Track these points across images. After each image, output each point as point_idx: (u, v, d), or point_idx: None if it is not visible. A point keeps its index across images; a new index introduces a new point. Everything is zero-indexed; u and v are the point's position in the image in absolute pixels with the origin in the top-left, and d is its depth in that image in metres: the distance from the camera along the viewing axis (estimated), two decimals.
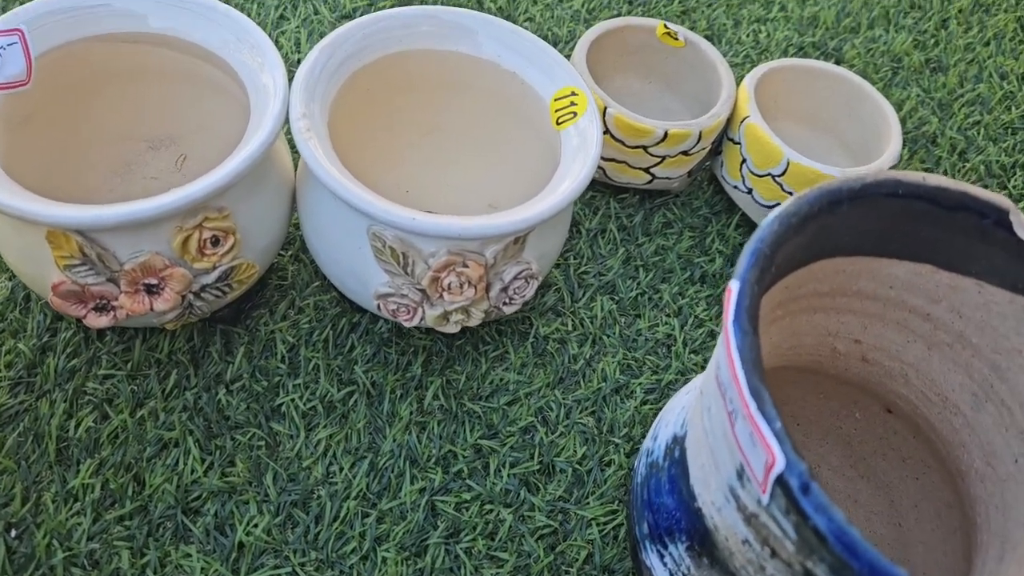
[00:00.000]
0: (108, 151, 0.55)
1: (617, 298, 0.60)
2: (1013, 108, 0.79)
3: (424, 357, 0.54)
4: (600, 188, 0.66)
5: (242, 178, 0.43)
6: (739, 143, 0.62)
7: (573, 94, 0.51)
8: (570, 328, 0.58)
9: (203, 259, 0.45)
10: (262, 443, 0.50)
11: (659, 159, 0.61)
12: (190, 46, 0.50)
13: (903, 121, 0.76)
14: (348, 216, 0.45)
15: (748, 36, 0.80)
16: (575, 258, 0.61)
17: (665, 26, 0.65)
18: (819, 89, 0.66)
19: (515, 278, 0.48)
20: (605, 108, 0.59)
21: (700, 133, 0.60)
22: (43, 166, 0.51)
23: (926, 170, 0.73)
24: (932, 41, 0.83)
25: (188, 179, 0.56)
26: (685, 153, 0.61)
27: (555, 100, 0.51)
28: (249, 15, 0.71)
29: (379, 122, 0.56)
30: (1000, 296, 0.38)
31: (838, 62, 0.80)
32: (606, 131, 0.60)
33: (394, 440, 0.51)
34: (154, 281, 0.44)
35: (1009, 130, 0.77)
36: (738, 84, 0.66)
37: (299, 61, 0.68)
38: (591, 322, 0.58)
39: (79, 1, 0.49)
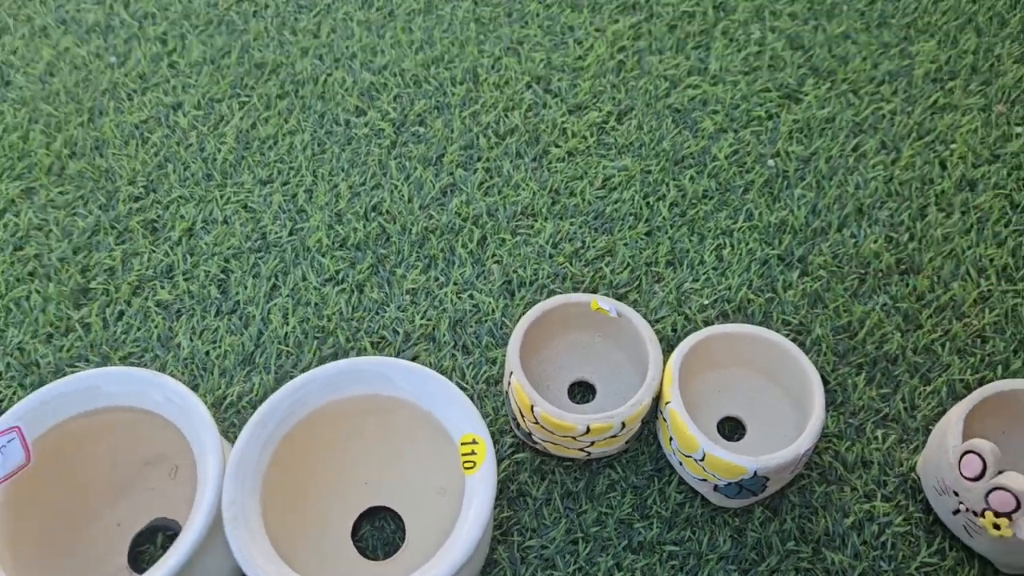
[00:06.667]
0: (111, 473, 0.66)
1: (556, 574, 0.66)
2: (987, 311, 0.79)
3: None
4: (547, 454, 0.71)
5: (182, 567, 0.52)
6: (667, 421, 0.66)
7: (474, 442, 0.57)
8: None
9: None
10: None
11: (590, 443, 0.66)
12: (160, 418, 0.60)
13: (864, 340, 0.77)
14: None
15: (711, 255, 0.83)
16: (519, 534, 0.68)
17: (596, 303, 0.70)
18: (747, 349, 0.69)
19: None
20: (532, 406, 0.65)
21: (623, 423, 0.65)
22: (47, 512, 0.62)
23: (883, 396, 0.74)
24: (907, 235, 0.84)
25: (181, 486, 0.66)
26: (613, 436, 0.66)
27: (461, 444, 0.58)
28: (245, 288, 0.81)
29: (321, 460, 0.64)
30: None
31: (803, 273, 0.82)
32: (537, 422, 0.65)
33: None
34: None
35: (979, 339, 0.77)
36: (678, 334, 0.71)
37: (286, 336, 0.77)
38: None
39: (67, 387, 0.60)
